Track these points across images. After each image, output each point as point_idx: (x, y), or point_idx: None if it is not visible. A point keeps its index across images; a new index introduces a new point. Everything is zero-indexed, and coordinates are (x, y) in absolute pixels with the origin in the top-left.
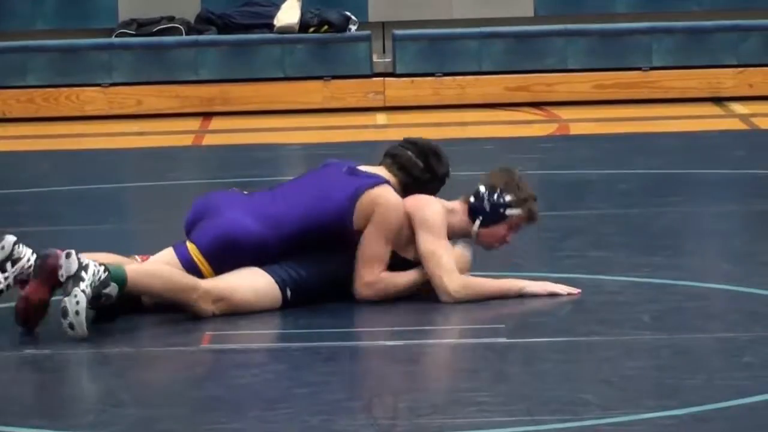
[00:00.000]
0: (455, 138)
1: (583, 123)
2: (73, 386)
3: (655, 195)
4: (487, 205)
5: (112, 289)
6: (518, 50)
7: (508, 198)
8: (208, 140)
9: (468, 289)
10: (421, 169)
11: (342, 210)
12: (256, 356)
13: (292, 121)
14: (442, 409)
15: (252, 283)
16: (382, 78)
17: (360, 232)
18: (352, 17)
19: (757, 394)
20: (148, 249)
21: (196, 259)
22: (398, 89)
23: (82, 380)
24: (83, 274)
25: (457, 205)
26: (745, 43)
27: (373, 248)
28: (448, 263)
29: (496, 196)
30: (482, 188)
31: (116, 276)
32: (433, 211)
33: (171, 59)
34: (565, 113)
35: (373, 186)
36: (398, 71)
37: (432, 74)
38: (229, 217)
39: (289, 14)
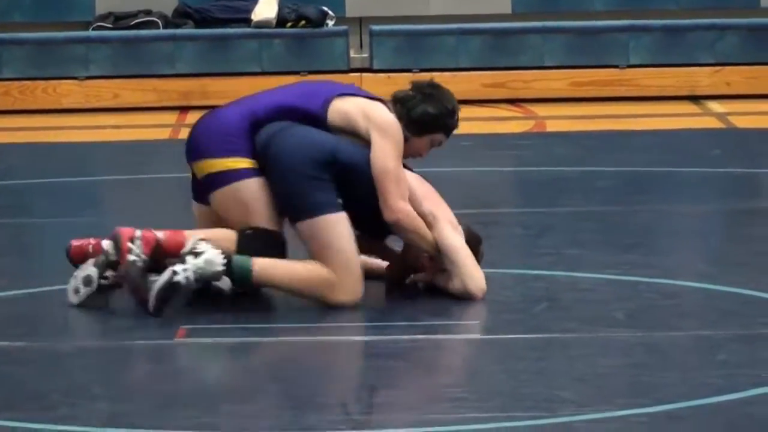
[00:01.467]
0: None
1: (559, 120)
2: (45, 379)
3: (631, 193)
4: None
5: (223, 282)
6: (495, 47)
7: None
8: (185, 134)
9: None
10: (419, 99)
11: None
12: (229, 350)
13: None
14: (417, 404)
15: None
16: (359, 73)
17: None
18: (330, 12)
19: (731, 392)
20: None
21: None
22: (375, 85)
23: (55, 373)
24: (190, 258)
25: None
26: (722, 42)
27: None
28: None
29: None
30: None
31: (239, 270)
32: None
33: (148, 53)
34: (541, 110)
35: (360, 96)
36: (375, 67)
37: (409, 70)
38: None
39: (266, 9)
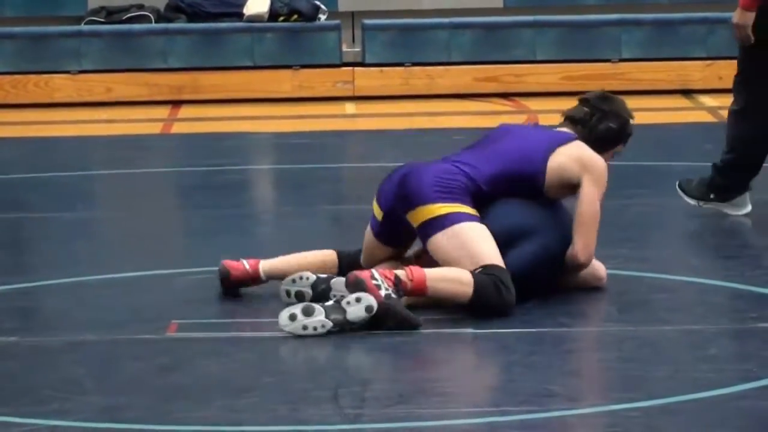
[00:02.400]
0: (424, 128)
1: (552, 114)
2: (38, 374)
3: (623, 187)
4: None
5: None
6: (487, 41)
7: None
8: (177, 128)
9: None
10: (599, 117)
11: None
12: (222, 345)
13: (262, 109)
14: (409, 399)
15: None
16: (351, 67)
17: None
18: (322, 6)
19: (722, 387)
20: (115, 239)
21: None
22: (367, 79)
23: (47, 368)
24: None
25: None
26: (714, 36)
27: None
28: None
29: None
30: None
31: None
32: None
33: (140, 47)
34: (534, 104)
35: (566, 141)
36: (367, 61)
37: (401, 64)
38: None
39: (258, 3)
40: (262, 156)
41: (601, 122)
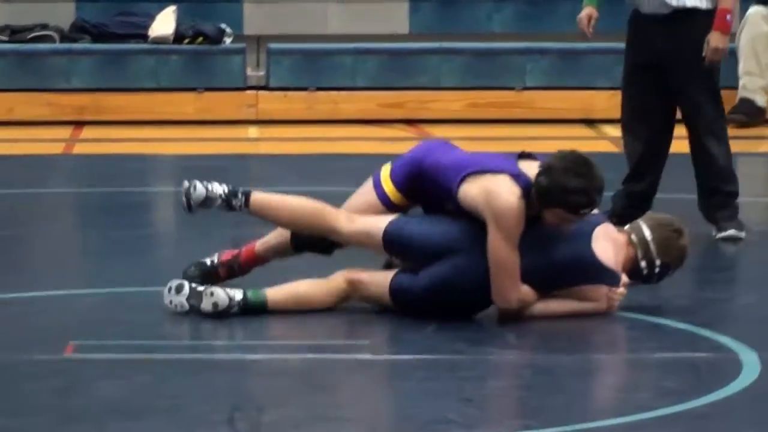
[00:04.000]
0: (327, 153)
1: (456, 141)
2: None
3: None
4: (648, 276)
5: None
6: (392, 67)
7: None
8: (79, 149)
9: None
10: (542, 169)
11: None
12: (119, 367)
13: (165, 132)
14: (304, 424)
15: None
16: (255, 91)
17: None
18: (227, 30)
19: (619, 415)
20: (14, 259)
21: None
22: (271, 103)
23: None
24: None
25: (621, 239)
26: (619, 66)
27: (498, 255)
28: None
29: (658, 271)
30: (657, 262)
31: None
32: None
33: (44, 67)
34: (438, 131)
35: (495, 171)
36: (272, 85)
37: (305, 89)
38: None
39: (164, 25)
40: (165, 178)
41: (540, 175)
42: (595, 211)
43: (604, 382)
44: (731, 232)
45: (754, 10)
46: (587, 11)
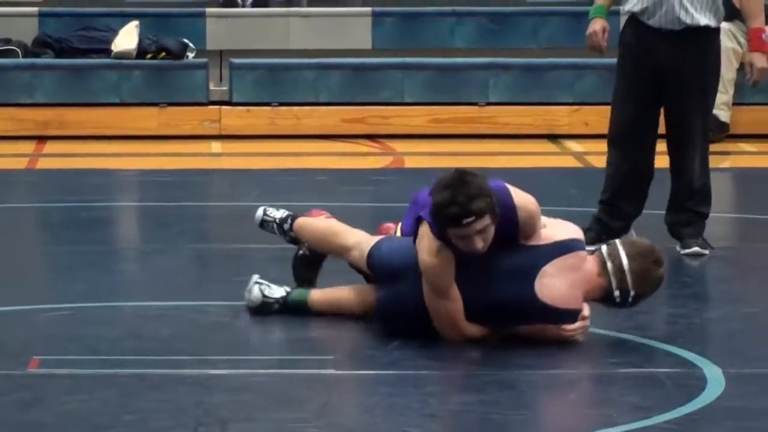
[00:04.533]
0: (290, 168)
1: (418, 156)
2: None
3: None
4: (621, 304)
5: None
6: (355, 82)
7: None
8: (42, 164)
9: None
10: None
11: None
12: (84, 382)
13: (127, 146)
14: None
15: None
16: (218, 106)
17: None
18: (190, 45)
19: (584, 431)
20: None
21: None
22: (234, 118)
23: None
24: None
25: (590, 269)
26: (581, 82)
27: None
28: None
29: (631, 301)
30: (632, 292)
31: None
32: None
33: (7, 81)
34: (400, 146)
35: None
36: (234, 100)
37: (268, 104)
38: None
39: (126, 40)
40: (127, 193)
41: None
42: (565, 235)
43: (568, 398)
44: (695, 249)
45: None
46: (601, 24)
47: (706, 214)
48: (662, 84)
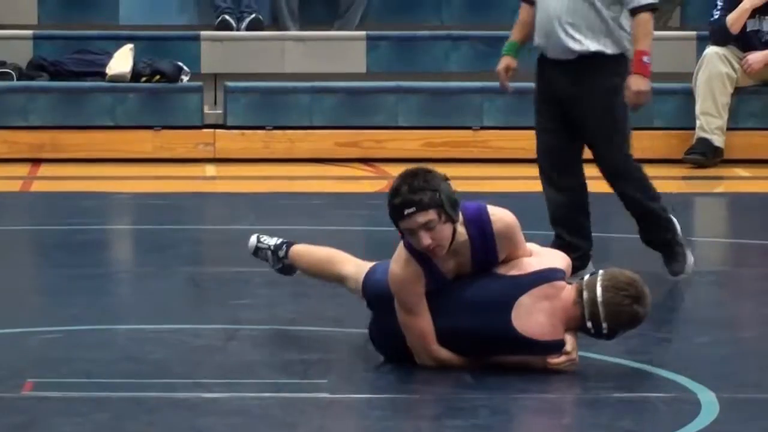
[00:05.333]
0: (284, 192)
1: None
2: None
3: None
4: (596, 335)
5: None
6: (349, 106)
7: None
8: (37, 187)
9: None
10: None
11: None
12: (77, 405)
13: (122, 169)
14: None
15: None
16: (212, 129)
17: None
18: (185, 68)
19: None
20: None
21: None
22: (228, 141)
23: None
24: None
25: (567, 298)
26: None
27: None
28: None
29: (606, 333)
30: (604, 325)
31: None
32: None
33: (1, 104)
34: (394, 170)
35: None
36: (229, 123)
37: (263, 127)
38: None
39: (121, 63)
40: (121, 216)
41: None
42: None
43: (561, 422)
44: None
45: (712, 50)
46: (506, 62)
47: (667, 239)
48: (569, 114)
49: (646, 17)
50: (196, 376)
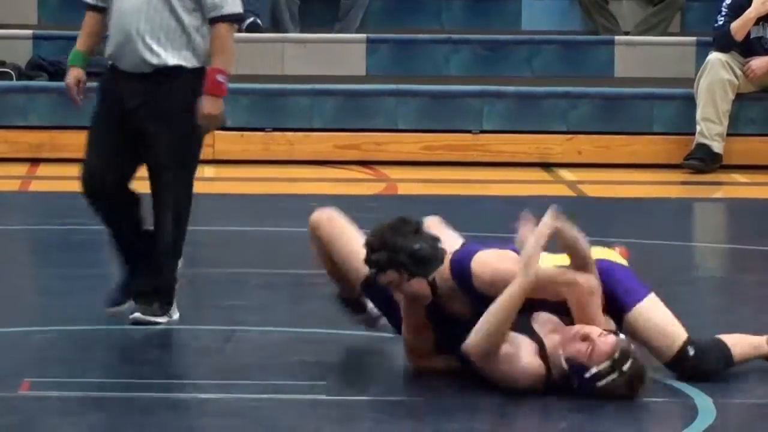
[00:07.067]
0: (283, 194)
1: (411, 183)
2: None
3: None
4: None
5: None
6: (349, 108)
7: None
8: (36, 186)
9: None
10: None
11: None
12: (74, 405)
13: None
14: None
15: None
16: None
17: None
18: None
19: None
20: None
21: None
22: (228, 143)
23: None
24: None
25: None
26: (575, 111)
27: None
28: None
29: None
30: (593, 370)
31: None
32: None
33: (1, 104)
34: (393, 173)
35: None
36: (228, 125)
37: (262, 129)
38: None
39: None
40: None
41: None
42: None
43: (559, 426)
44: (136, 315)
45: (715, 56)
46: (74, 74)
47: (161, 288)
48: (136, 130)
49: (224, 30)
50: (192, 377)
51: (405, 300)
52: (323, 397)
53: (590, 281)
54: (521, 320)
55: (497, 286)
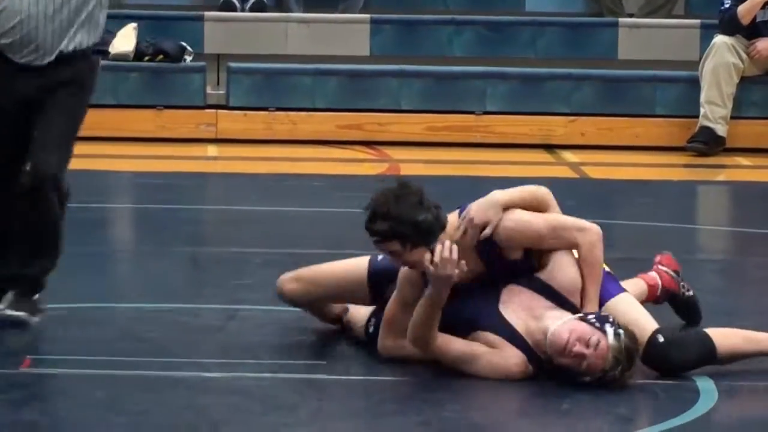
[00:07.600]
0: (286, 173)
1: (414, 164)
2: None
3: None
4: None
5: None
6: (352, 88)
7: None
8: None
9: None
10: None
11: None
12: (76, 382)
13: (124, 148)
14: None
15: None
16: (214, 110)
17: None
18: (188, 48)
19: None
20: None
21: None
22: (231, 122)
23: None
24: None
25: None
26: (578, 92)
27: None
28: None
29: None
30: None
31: None
32: None
33: None
34: (396, 153)
35: None
36: (231, 104)
37: (265, 108)
38: None
39: (124, 42)
40: (123, 195)
41: None
42: None
43: (558, 408)
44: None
45: (720, 39)
46: None
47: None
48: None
49: None
50: (195, 355)
51: (402, 272)
52: (325, 376)
53: (595, 227)
54: (489, 311)
55: (516, 234)
